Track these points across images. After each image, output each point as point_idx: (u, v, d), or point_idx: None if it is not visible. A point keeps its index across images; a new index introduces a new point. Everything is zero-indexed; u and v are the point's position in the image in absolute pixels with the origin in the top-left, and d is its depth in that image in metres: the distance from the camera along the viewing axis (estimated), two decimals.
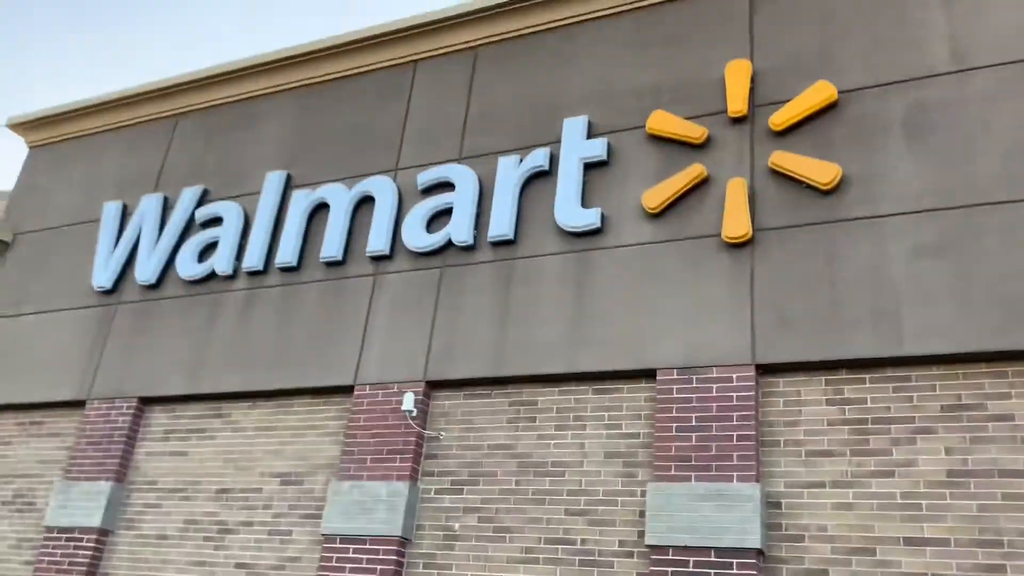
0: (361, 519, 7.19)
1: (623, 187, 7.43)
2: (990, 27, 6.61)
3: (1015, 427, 5.68)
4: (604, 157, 7.55)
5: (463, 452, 7.31)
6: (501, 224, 7.70)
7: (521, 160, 7.92)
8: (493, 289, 7.61)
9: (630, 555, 6.36)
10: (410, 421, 7.35)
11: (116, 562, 8.38)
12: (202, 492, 8.30)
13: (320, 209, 8.82)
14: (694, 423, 6.37)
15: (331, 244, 8.45)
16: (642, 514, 6.39)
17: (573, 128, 7.78)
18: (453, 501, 7.15)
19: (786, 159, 6.78)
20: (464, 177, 8.10)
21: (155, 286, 9.36)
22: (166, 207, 9.79)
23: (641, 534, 6.34)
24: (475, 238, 7.84)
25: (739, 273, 6.68)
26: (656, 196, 7.14)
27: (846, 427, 6.10)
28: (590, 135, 7.75)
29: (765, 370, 6.43)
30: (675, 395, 6.52)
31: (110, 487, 8.49)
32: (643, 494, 6.45)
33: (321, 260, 8.47)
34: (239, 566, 7.78)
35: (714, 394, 6.39)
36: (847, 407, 6.16)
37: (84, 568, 8.24)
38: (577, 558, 6.52)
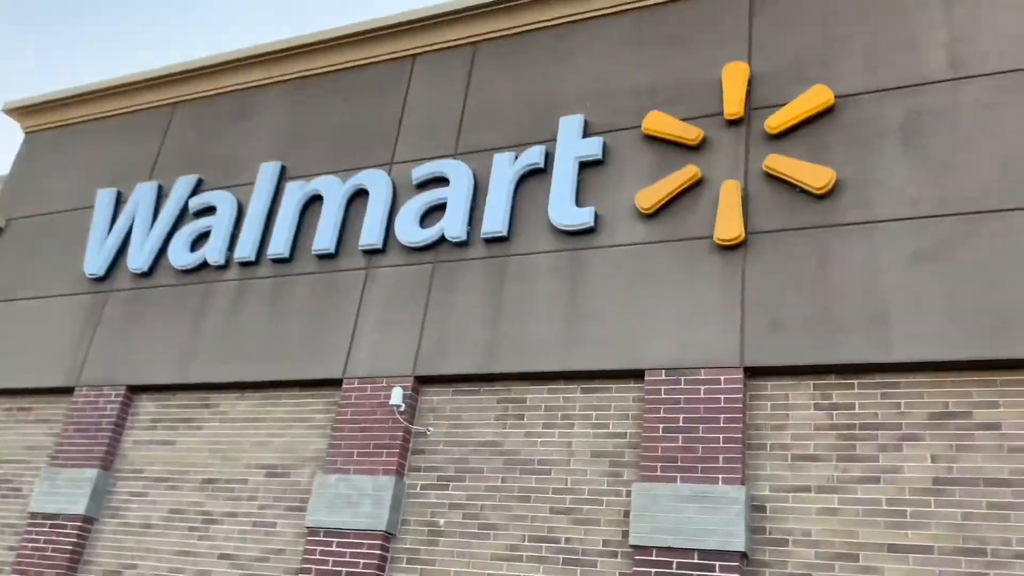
0: (346, 513, 7.17)
1: (618, 187, 7.41)
2: (988, 36, 6.60)
3: (1002, 436, 5.67)
4: (599, 156, 7.53)
5: (450, 448, 7.29)
6: (495, 221, 7.68)
7: (516, 157, 7.90)
8: (485, 286, 7.59)
9: (614, 555, 6.35)
10: (398, 416, 7.33)
11: (100, 550, 8.35)
12: (188, 482, 8.27)
13: (314, 201, 8.79)
14: (681, 424, 6.36)
15: (324, 236, 8.42)
16: (627, 514, 6.38)
17: (569, 126, 7.76)
18: (439, 497, 7.13)
19: (780, 162, 6.77)
20: (459, 173, 8.07)
21: (147, 274, 9.33)
22: (160, 195, 9.76)
23: (625, 534, 6.33)
24: (468, 234, 7.82)
25: (731, 275, 6.66)
26: (650, 196, 7.12)
27: (833, 432, 6.09)
28: (586, 134, 7.73)
29: (754, 373, 6.42)
30: (663, 396, 6.50)
31: (96, 474, 8.46)
32: (628, 494, 6.43)
33: (313, 252, 8.45)
34: (223, 557, 7.75)
35: (702, 396, 6.38)
36: (835, 412, 6.14)
37: (67, 555, 8.21)
38: (561, 556, 6.51)
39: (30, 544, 8.44)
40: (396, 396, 7.26)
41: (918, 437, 5.87)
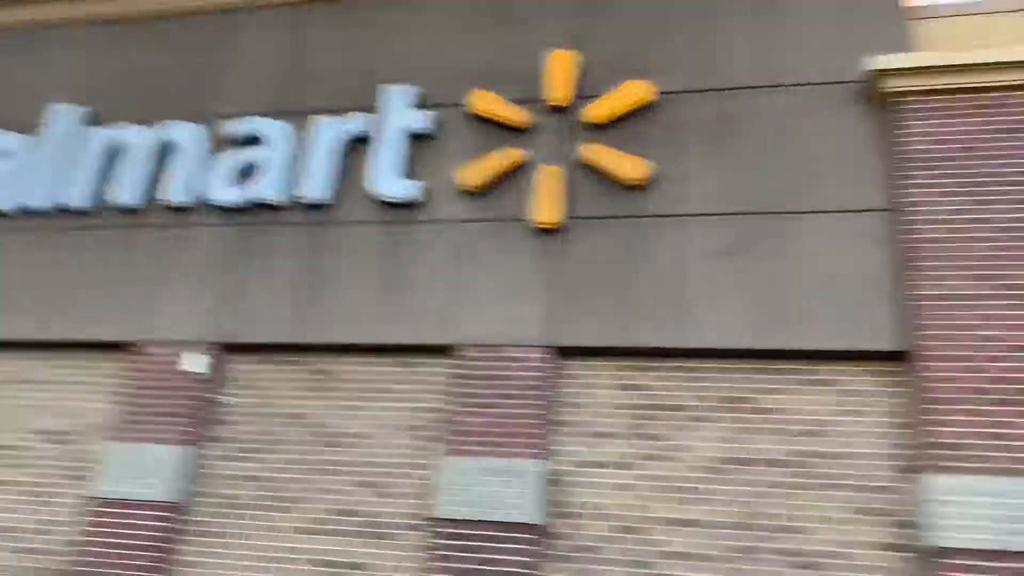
0: (134, 483, 6.74)
1: (444, 163, 7.38)
2: (790, 50, 7.08)
3: (780, 420, 6.12)
4: (428, 130, 7.46)
5: (253, 419, 7.02)
6: (315, 186, 7.45)
7: (344, 125, 7.69)
8: (301, 253, 7.35)
9: (416, 528, 6.34)
10: (196, 384, 6.97)
11: None
12: None
13: (120, 152, 8.19)
14: (489, 400, 6.43)
15: (127, 189, 7.86)
16: (433, 488, 6.38)
17: (397, 97, 7.64)
18: (238, 469, 6.85)
19: (597, 152, 6.97)
20: (279, 133, 7.76)
21: None
22: None
23: (429, 507, 6.33)
24: (287, 198, 7.54)
25: (547, 259, 6.81)
26: (472, 175, 7.14)
27: (631, 411, 6.36)
28: (418, 107, 7.64)
29: (563, 353, 6.59)
30: (473, 372, 6.55)
31: None
32: (436, 468, 6.44)
33: (115, 206, 7.87)
34: None
35: (511, 373, 6.48)
36: (635, 392, 6.42)
37: None
38: (362, 529, 6.43)
39: None
40: (199, 363, 6.91)
41: (709, 419, 6.24)
